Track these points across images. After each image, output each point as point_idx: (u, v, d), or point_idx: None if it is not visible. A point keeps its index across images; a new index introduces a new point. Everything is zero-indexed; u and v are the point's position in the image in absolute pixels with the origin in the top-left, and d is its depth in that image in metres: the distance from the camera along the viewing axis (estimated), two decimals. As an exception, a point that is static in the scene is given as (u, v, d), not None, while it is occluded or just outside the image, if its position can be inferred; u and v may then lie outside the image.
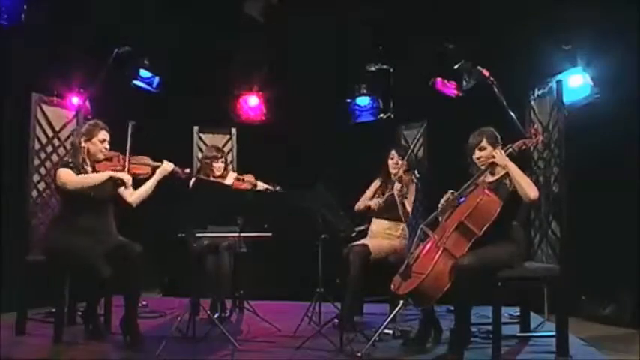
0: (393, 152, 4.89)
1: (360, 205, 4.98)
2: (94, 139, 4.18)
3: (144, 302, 5.17)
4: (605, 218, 5.26)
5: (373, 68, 6.13)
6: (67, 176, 4.03)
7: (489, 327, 4.21)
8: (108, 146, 4.22)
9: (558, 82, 4.14)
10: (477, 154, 3.98)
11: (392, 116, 6.04)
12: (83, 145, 4.16)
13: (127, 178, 4.12)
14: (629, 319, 5.34)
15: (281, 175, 5.07)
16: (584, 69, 5.28)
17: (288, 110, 6.10)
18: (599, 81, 5.25)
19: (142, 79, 5.93)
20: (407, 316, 4.66)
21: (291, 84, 6.14)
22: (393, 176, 4.81)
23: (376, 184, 5.03)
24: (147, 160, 4.28)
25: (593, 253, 5.11)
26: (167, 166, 4.29)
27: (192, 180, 4.44)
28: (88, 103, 5.63)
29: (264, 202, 4.50)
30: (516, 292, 4.13)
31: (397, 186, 4.64)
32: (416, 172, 4.80)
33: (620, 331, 5.15)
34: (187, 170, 4.43)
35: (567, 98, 4.60)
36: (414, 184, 4.76)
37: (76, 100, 5.72)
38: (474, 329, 4.20)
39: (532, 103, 4.38)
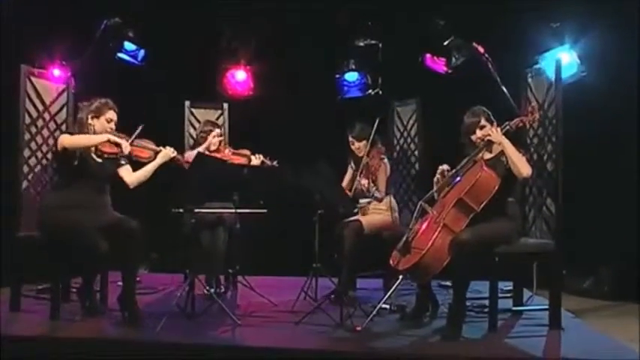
0: (350, 138, 4.87)
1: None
2: (102, 118, 4.13)
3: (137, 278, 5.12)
4: (584, 194, 5.37)
5: (362, 44, 6.11)
6: (63, 137, 4.01)
7: (482, 301, 4.34)
8: (114, 127, 4.16)
9: (557, 60, 4.19)
10: (479, 133, 4.00)
11: (380, 92, 6.04)
12: (90, 122, 4.11)
13: (125, 145, 4.08)
14: (607, 292, 5.54)
15: (272, 150, 5.05)
16: (571, 47, 5.33)
17: (276, 85, 6.06)
18: (586, 59, 5.32)
19: (127, 52, 5.80)
20: (401, 291, 4.70)
21: (279, 59, 6.08)
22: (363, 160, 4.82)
23: (350, 172, 4.99)
24: (150, 144, 4.25)
25: (573, 228, 5.22)
26: (169, 152, 4.26)
27: (194, 155, 4.39)
28: (71, 78, 5.53)
29: (263, 177, 4.48)
30: (509, 267, 4.18)
31: (364, 182, 4.64)
32: (379, 146, 4.82)
33: (599, 304, 5.33)
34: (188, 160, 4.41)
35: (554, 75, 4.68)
36: (384, 164, 4.78)
37: (57, 72, 5.60)
38: (467, 304, 4.27)
39: (529, 80, 4.42)
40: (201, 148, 4.79)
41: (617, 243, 5.36)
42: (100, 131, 4.12)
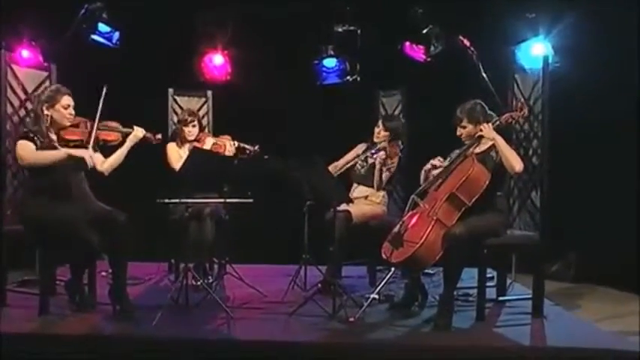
0: (380, 123, 4.97)
1: (340, 162, 5.01)
2: (57, 106, 3.96)
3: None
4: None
5: (340, 29, 6.10)
6: (23, 150, 3.85)
7: (465, 290, 4.50)
8: (73, 112, 4.02)
9: (545, 57, 4.29)
10: (459, 130, 4.15)
11: (358, 78, 6.05)
12: (46, 112, 3.94)
13: (88, 156, 3.92)
14: (573, 276, 5.80)
15: (256, 137, 5.03)
16: (545, 37, 5.44)
17: (254, 70, 5.99)
18: (560, 50, 5.44)
19: (101, 34, 5.63)
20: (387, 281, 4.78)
21: (257, 43, 6.01)
22: (378, 144, 4.90)
23: (359, 148, 5.07)
24: (117, 125, 4.14)
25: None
26: (138, 133, 4.16)
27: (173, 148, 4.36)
28: (41, 58, 5.38)
29: (253, 169, 4.49)
30: (493, 256, 4.31)
31: (381, 154, 4.72)
32: (400, 142, 4.92)
33: (566, 286, 5.57)
34: (159, 136, 4.33)
35: (529, 66, 4.81)
36: (398, 156, 4.88)
37: (26, 53, 5.43)
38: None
39: (516, 76, 4.53)
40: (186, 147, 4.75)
41: (584, 228, 5.57)
42: (59, 120, 3.96)
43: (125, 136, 4.12)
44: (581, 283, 5.66)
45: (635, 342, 3.73)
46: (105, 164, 4.11)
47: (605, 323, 4.36)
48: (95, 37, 5.57)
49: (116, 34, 5.64)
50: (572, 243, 5.76)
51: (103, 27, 5.58)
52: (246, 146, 4.87)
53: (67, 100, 3.98)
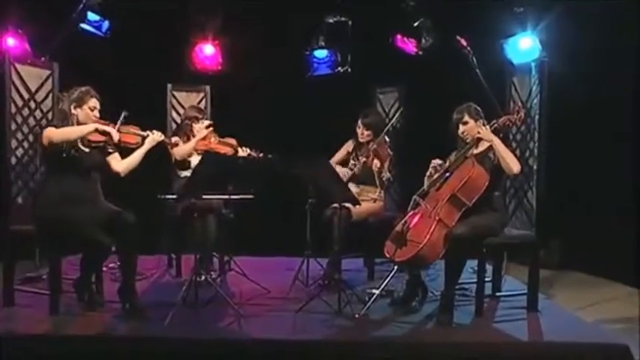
0: (360, 122, 5.02)
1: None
2: (85, 106, 4.04)
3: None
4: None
5: (332, 20, 6.14)
6: (50, 132, 3.91)
7: (462, 285, 4.62)
8: (98, 114, 4.09)
9: (542, 61, 4.42)
10: (461, 128, 4.25)
11: (349, 70, 6.12)
12: (73, 111, 4.02)
13: (115, 133, 4.02)
14: (557, 262, 6.04)
15: (253, 134, 5.07)
16: (532, 32, 5.56)
17: (245, 62, 5.99)
18: (547, 43, 5.56)
19: (90, 23, 5.58)
20: (385, 275, 4.92)
21: (247, 34, 6.00)
22: (365, 143, 5.00)
23: (349, 146, 5.16)
24: (136, 129, 4.20)
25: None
26: (156, 137, 4.25)
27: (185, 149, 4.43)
28: (27, 46, 5.32)
29: (257, 168, 4.55)
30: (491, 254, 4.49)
31: (376, 162, 4.85)
32: (386, 137, 5.02)
33: (549, 274, 5.80)
34: (175, 139, 4.50)
35: (517, 60, 4.94)
36: (390, 157, 4.97)
37: (11, 41, 5.37)
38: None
39: (513, 79, 4.65)
40: (192, 143, 4.81)
41: (566, 216, 5.78)
42: (84, 121, 4.04)
43: (144, 139, 4.19)
44: (563, 270, 5.91)
45: (622, 334, 3.99)
46: (122, 165, 4.18)
47: (588, 311, 4.64)
48: (84, 25, 5.53)
49: (105, 24, 5.60)
50: (557, 231, 5.98)
51: (92, 16, 5.54)
52: (252, 153, 4.90)
53: (94, 102, 4.07)
